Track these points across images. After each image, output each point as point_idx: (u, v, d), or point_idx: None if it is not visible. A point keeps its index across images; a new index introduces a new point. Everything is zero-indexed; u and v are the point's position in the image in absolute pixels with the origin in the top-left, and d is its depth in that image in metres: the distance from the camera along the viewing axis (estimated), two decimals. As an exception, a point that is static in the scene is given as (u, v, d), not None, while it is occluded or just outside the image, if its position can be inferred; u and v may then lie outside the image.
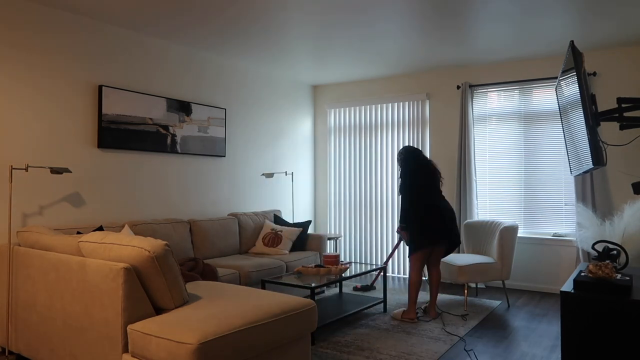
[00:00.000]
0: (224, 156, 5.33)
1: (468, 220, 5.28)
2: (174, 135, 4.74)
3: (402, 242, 4.59)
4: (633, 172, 4.92)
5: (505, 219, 5.52)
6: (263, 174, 5.61)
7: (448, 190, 5.89)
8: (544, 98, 5.37)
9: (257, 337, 2.40)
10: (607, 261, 2.67)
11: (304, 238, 5.29)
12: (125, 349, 2.39)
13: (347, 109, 6.67)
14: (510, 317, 4.33)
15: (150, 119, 4.51)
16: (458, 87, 5.80)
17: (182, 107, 4.83)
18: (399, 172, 4.24)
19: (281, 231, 5.14)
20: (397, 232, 4.27)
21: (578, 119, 2.72)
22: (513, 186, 5.53)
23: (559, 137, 5.29)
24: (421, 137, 6.09)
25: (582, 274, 2.53)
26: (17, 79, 3.61)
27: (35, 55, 3.72)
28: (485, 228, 5.02)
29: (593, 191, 4.99)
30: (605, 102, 5.04)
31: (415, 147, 4.60)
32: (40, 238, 3.08)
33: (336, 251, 6.54)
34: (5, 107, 3.55)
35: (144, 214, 4.51)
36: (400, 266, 6.20)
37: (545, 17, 4.08)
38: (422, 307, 4.52)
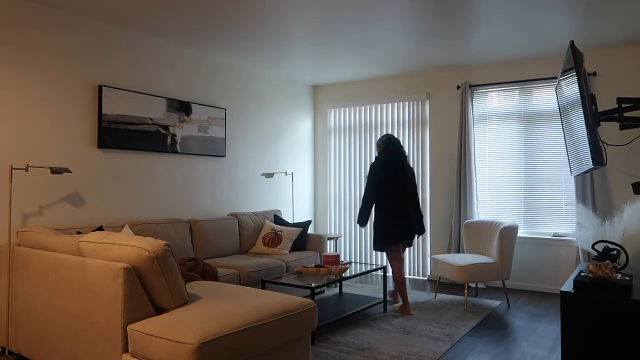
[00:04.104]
0: (224, 156, 5.33)
1: (468, 220, 5.28)
2: (174, 135, 4.74)
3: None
4: (633, 172, 4.92)
5: (505, 219, 5.52)
6: (263, 174, 5.61)
7: (448, 190, 5.89)
8: (544, 98, 5.37)
9: (257, 337, 2.40)
10: (607, 261, 2.67)
11: (304, 238, 5.29)
12: (125, 349, 2.39)
13: (347, 109, 6.67)
14: (510, 317, 4.33)
15: (150, 119, 4.51)
16: (458, 87, 5.80)
17: (182, 107, 4.83)
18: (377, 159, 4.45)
19: (281, 231, 5.14)
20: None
21: (578, 119, 2.72)
22: (513, 186, 5.53)
23: (559, 137, 5.29)
24: (421, 137, 6.09)
25: (582, 274, 2.53)
26: (17, 79, 3.61)
27: (35, 55, 3.72)
28: (485, 228, 5.02)
29: (593, 191, 4.99)
30: (605, 102, 5.04)
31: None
32: (40, 238, 3.08)
33: (336, 251, 6.54)
34: (6, 107, 3.55)
35: (144, 214, 4.51)
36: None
37: (545, 17, 4.08)
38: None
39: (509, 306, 4.71)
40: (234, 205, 5.51)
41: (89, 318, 2.54)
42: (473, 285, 5.52)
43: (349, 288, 5.44)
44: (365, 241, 6.48)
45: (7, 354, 3.23)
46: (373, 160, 4.56)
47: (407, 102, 6.20)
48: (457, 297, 5.03)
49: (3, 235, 3.51)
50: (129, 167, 4.39)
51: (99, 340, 2.49)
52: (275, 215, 5.59)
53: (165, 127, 4.66)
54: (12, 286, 3.13)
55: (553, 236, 5.29)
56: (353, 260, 6.52)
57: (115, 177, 4.27)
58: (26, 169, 3.36)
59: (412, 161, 6.14)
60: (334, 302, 4.39)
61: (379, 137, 6.38)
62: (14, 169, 3.42)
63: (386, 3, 3.76)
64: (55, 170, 3.43)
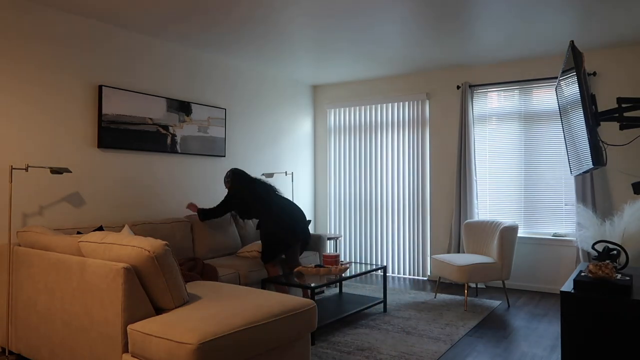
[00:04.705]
0: (224, 156, 5.33)
1: (468, 220, 5.28)
2: (174, 135, 4.73)
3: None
4: (633, 172, 4.92)
5: (505, 219, 5.52)
6: (263, 174, 5.61)
7: (448, 190, 5.89)
8: (544, 98, 5.37)
9: (257, 337, 2.40)
10: (607, 261, 2.67)
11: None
12: (125, 349, 2.39)
13: (347, 109, 6.67)
14: (510, 317, 4.33)
15: (150, 119, 4.51)
16: (458, 87, 5.80)
17: (182, 107, 4.83)
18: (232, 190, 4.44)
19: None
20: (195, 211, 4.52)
21: (578, 119, 2.72)
22: (513, 186, 5.53)
23: (559, 137, 5.29)
24: (421, 137, 6.09)
25: (582, 274, 2.53)
26: (17, 79, 3.61)
27: (36, 55, 3.72)
28: (485, 228, 5.02)
29: (593, 191, 4.99)
30: (605, 102, 5.04)
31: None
32: (40, 238, 3.08)
33: (336, 251, 6.54)
34: (5, 106, 3.55)
35: (144, 214, 4.51)
36: (401, 266, 6.21)
37: (545, 16, 4.08)
38: None
39: (509, 306, 4.71)
40: (234, 205, 5.50)
41: (89, 318, 2.54)
42: (473, 285, 5.52)
43: (349, 288, 5.44)
44: (366, 241, 6.48)
45: (7, 354, 3.23)
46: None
47: (407, 102, 6.20)
48: (457, 297, 5.03)
49: (3, 235, 3.51)
50: (129, 167, 4.39)
51: (99, 340, 2.49)
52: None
53: (165, 127, 4.66)
54: (12, 286, 3.13)
55: (553, 236, 5.29)
56: (353, 260, 6.52)
57: (115, 177, 4.27)
58: (26, 169, 3.36)
59: (412, 161, 6.14)
60: (334, 302, 4.39)
61: (379, 137, 6.39)
62: (14, 169, 3.42)
63: (386, 3, 3.76)
64: (55, 170, 3.43)
